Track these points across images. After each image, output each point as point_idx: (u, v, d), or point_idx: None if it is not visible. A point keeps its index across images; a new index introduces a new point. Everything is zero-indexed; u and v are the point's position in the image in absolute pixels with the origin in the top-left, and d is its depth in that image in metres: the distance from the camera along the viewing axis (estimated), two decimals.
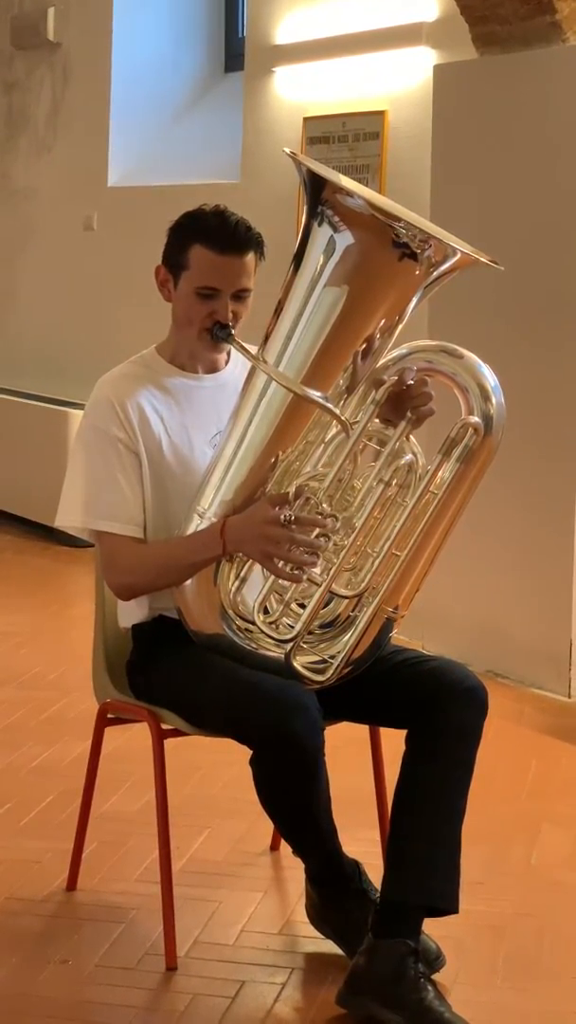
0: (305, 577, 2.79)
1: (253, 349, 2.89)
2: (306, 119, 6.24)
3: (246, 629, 2.86)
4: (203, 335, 3.01)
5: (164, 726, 3.05)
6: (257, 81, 6.56)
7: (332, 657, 2.84)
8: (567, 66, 4.86)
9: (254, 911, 3.30)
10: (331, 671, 2.83)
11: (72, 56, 7.82)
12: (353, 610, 2.84)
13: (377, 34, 5.86)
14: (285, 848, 3.44)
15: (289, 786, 2.82)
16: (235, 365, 3.12)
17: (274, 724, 2.72)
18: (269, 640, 2.83)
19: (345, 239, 2.75)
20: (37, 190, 8.15)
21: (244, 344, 2.92)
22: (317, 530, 2.77)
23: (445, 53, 5.51)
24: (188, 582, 2.91)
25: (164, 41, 7.60)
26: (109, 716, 3.25)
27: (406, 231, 2.69)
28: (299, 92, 6.35)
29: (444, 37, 5.51)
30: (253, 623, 2.84)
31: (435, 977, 2.89)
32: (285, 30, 6.38)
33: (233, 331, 2.96)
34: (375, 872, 3.05)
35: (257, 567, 2.85)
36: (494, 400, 2.80)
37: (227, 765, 3.88)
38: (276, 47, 6.42)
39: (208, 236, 2.95)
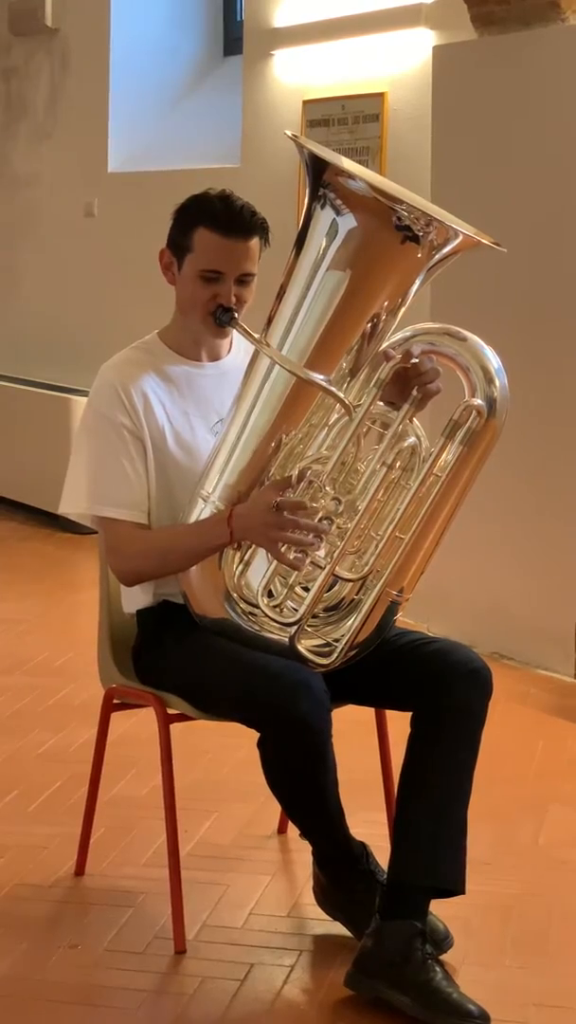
0: (309, 561, 2.79)
1: (256, 333, 2.88)
2: (305, 102, 6.22)
3: (250, 613, 2.86)
4: (207, 319, 3.00)
5: (170, 711, 3.05)
6: (256, 64, 6.54)
7: (337, 640, 2.84)
8: (566, 46, 4.84)
9: (262, 894, 3.31)
10: (336, 654, 2.83)
11: (70, 42, 7.80)
12: (357, 593, 2.84)
13: (376, 16, 5.84)
14: (293, 831, 3.45)
15: (296, 768, 2.83)
16: (237, 353, 3.12)
17: (281, 705, 2.72)
18: (273, 623, 2.83)
19: (347, 222, 2.74)
20: (37, 177, 8.13)
21: (247, 328, 2.91)
22: (321, 514, 2.77)
23: (444, 34, 5.49)
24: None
25: (162, 26, 7.58)
26: (115, 701, 3.26)
27: (408, 213, 2.69)
28: (298, 75, 6.33)
29: (443, 18, 5.50)
30: (257, 607, 2.84)
31: (443, 958, 2.89)
32: (283, 13, 6.36)
33: (237, 315, 2.96)
34: (382, 854, 3.05)
35: (261, 551, 2.85)
36: (498, 382, 2.79)
37: (234, 748, 3.89)
38: (275, 30, 6.40)
39: (213, 219, 2.95)
